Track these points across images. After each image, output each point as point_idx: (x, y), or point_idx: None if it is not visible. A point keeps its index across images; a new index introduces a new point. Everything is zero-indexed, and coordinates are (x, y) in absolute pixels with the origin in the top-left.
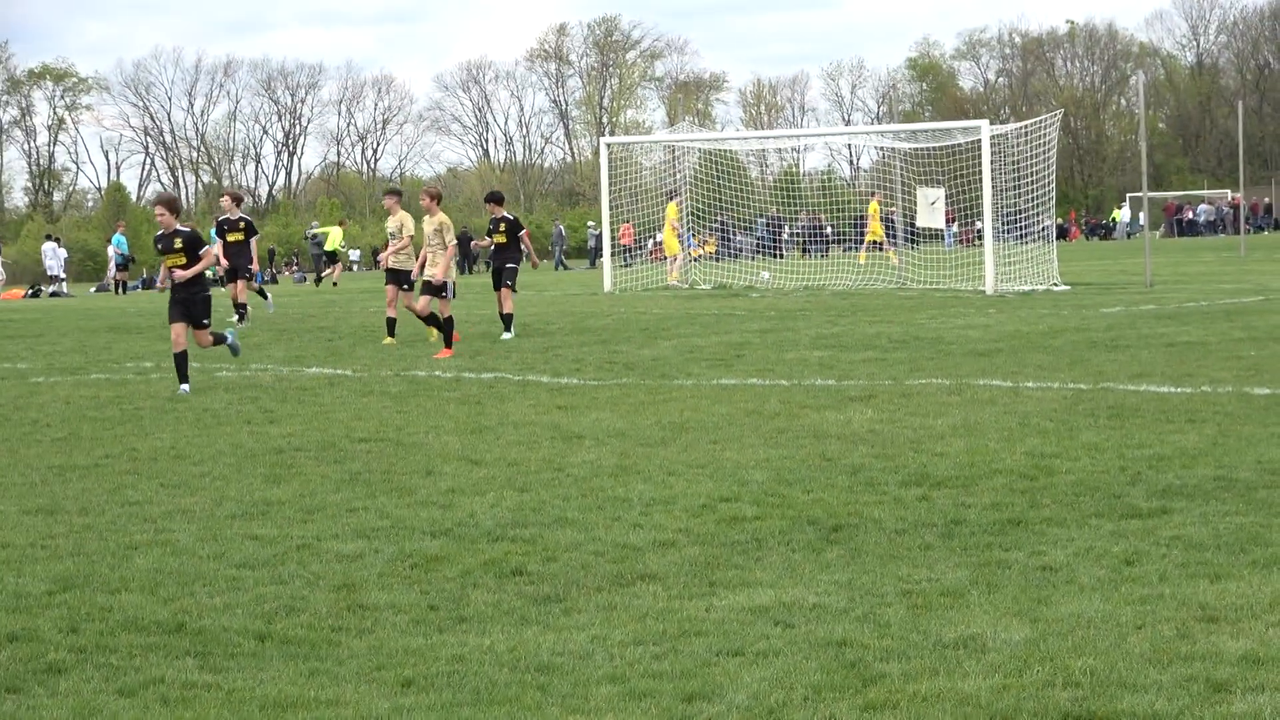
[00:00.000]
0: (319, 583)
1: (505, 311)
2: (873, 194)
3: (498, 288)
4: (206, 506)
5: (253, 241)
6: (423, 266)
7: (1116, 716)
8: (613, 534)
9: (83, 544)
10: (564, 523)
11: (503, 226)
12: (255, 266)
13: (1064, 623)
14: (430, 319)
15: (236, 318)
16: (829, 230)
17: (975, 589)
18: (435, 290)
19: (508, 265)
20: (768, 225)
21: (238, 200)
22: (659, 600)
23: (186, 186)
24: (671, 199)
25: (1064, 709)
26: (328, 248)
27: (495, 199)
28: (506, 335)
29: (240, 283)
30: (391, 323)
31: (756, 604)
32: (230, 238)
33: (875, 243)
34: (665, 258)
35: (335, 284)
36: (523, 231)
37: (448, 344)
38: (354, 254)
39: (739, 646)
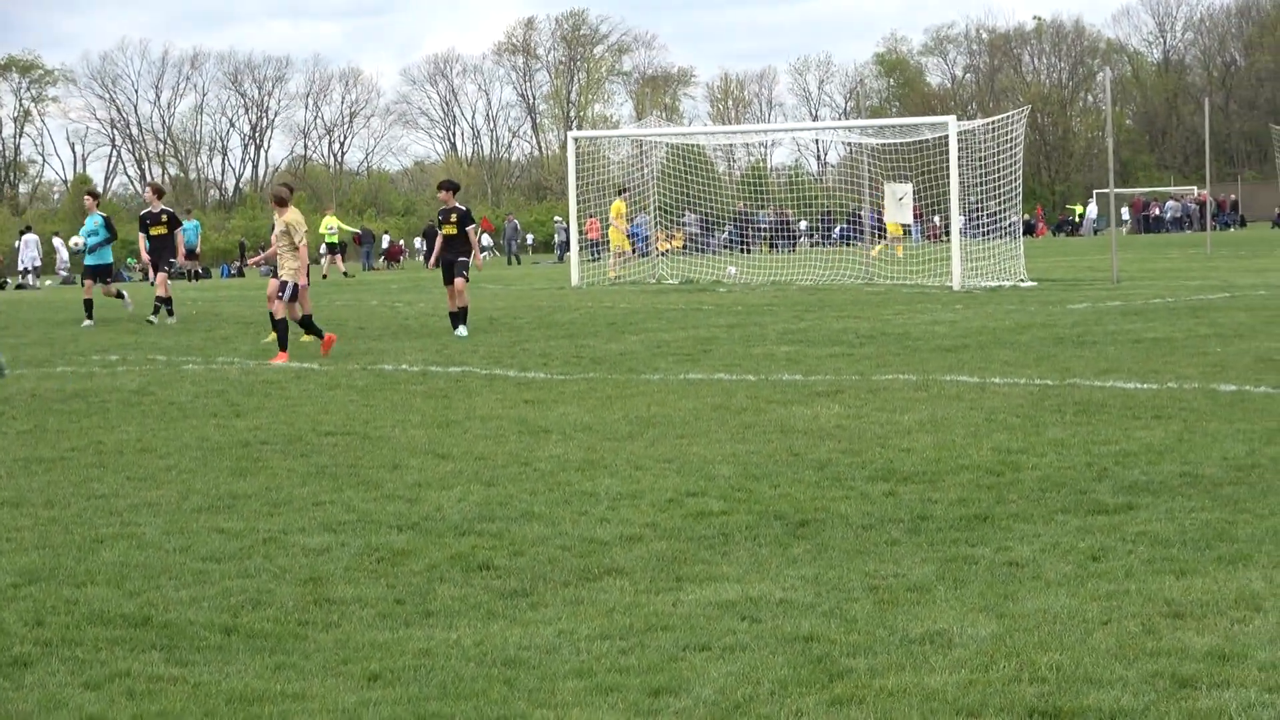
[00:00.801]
0: (285, 576)
1: (460, 305)
2: (890, 184)
3: (448, 282)
4: (173, 500)
5: (176, 234)
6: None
7: (1082, 712)
8: (579, 528)
9: (48, 537)
10: (531, 517)
11: (453, 217)
12: (179, 259)
13: (1030, 618)
14: (304, 322)
15: (154, 311)
16: (802, 225)
17: (942, 584)
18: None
19: (459, 259)
20: (735, 221)
21: (159, 193)
22: (625, 595)
23: (153, 178)
24: (620, 194)
25: (1030, 704)
26: (330, 240)
27: (449, 187)
28: (461, 331)
29: (161, 276)
30: (306, 321)
31: (723, 599)
32: (153, 231)
33: (893, 236)
34: (614, 252)
35: (345, 274)
36: (472, 226)
37: (282, 348)
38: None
39: (705, 641)
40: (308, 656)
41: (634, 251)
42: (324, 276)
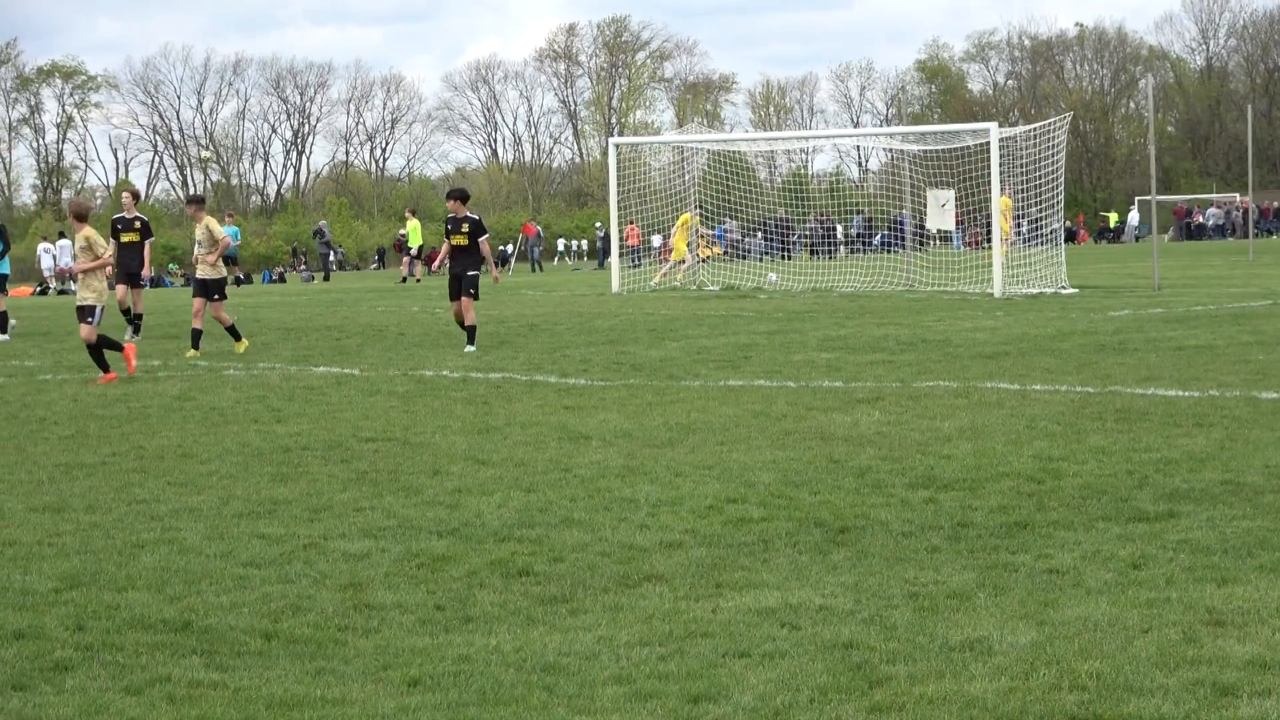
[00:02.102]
0: (325, 582)
1: (468, 324)
2: (1003, 189)
3: (455, 297)
4: (213, 505)
5: (147, 244)
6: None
7: None
8: (619, 535)
9: (90, 542)
10: (571, 523)
11: (465, 228)
12: (147, 272)
13: (1070, 626)
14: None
15: (134, 331)
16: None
17: (982, 591)
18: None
19: (468, 273)
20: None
21: (136, 197)
22: (665, 601)
23: (195, 185)
24: (688, 209)
25: (1070, 712)
26: (411, 244)
27: (459, 196)
28: (469, 348)
29: (136, 291)
30: (197, 335)
31: (763, 605)
32: (124, 238)
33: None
34: (667, 260)
35: (419, 280)
36: (484, 236)
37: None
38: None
39: (745, 648)
40: (348, 662)
41: (684, 263)
42: (417, 280)
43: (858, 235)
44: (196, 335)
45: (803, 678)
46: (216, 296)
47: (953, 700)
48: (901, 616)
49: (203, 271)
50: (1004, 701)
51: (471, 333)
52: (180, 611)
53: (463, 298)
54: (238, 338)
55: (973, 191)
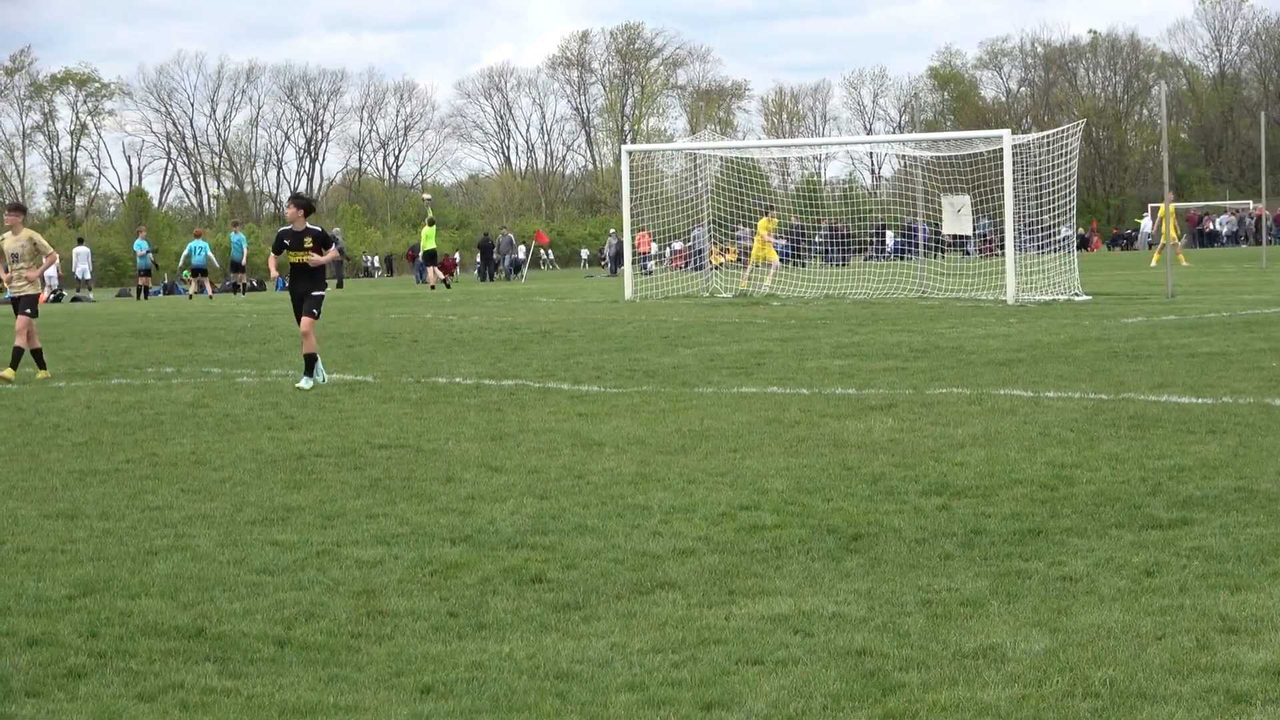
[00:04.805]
0: (339, 589)
1: (306, 351)
2: (1170, 192)
3: (299, 317)
4: (227, 512)
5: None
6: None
7: None
8: (632, 542)
9: (103, 549)
10: (584, 530)
11: (307, 242)
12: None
13: (1084, 633)
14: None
15: (11, 363)
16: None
17: (995, 599)
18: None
19: (312, 293)
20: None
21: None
22: (678, 608)
23: (207, 192)
24: (767, 213)
25: (1083, 719)
26: (426, 248)
27: (302, 204)
28: (304, 383)
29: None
30: (17, 354)
31: (776, 612)
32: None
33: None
34: (740, 264)
35: (447, 284)
36: (330, 251)
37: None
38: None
39: (758, 655)
40: (361, 669)
41: (771, 266)
42: (431, 287)
43: (873, 242)
44: (16, 354)
45: (815, 685)
46: (28, 311)
47: (966, 708)
48: (914, 624)
49: (18, 288)
50: (1017, 709)
51: (310, 362)
52: (193, 618)
53: (304, 318)
54: (15, 364)
55: (986, 199)
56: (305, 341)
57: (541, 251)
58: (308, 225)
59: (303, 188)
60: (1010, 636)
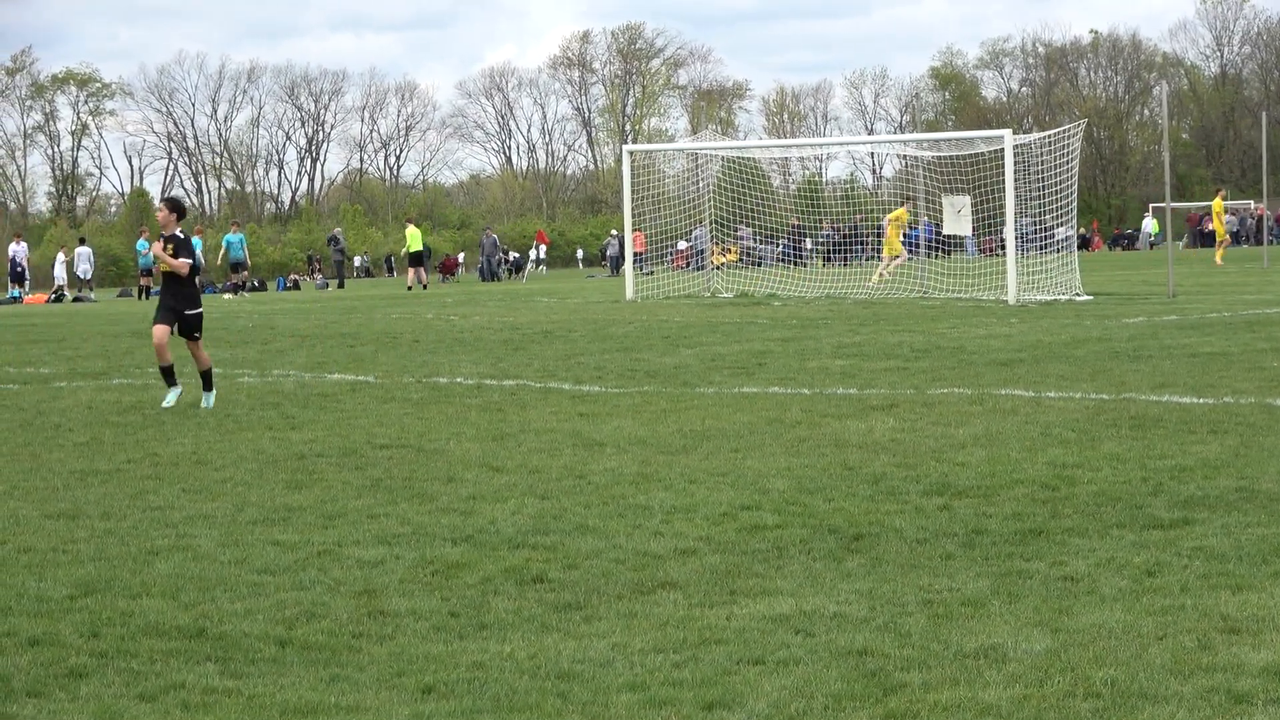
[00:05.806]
0: (340, 589)
1: (202, 368)
2: (1218, 190)
3: (156, 324)
4: (228, 512)
5: None
6: None
7: None
8: (634, 542)
9: (104, 549)
10: (585, 530)
11: (169, 247)
12: None
13: (1085, 633)
14: None
15: None
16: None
17: (996, 599)
18: None
19: (186, 313)
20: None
21: None
22: (679, 608)
23: (209, 192)
24: (903, 204)
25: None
26: (412, 249)
27: (173, 207)
28: (207, 403)
29: None
30: None
31: (777, 612)
32: None
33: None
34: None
35: (424, 286)
36: (179, 260)
37: None
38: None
39: (759, 655)
40: (362, 669)
41: (898, 259)
42: (409, 288)
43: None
44: None
45: (817, 685)
46: None
47: (967, 708)
48: (916, 624)
49: None
50: (1018, 709)
51: (207, 378)
52: (194, 618)
53: (189, 342)
54: None
55: (987, 199)
56: (200, 357)
57: (531, 253)
58: (175, 231)
59: (304, 188)
60: (1011, 636)
